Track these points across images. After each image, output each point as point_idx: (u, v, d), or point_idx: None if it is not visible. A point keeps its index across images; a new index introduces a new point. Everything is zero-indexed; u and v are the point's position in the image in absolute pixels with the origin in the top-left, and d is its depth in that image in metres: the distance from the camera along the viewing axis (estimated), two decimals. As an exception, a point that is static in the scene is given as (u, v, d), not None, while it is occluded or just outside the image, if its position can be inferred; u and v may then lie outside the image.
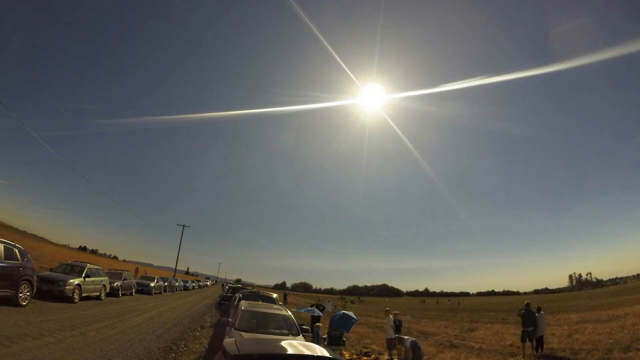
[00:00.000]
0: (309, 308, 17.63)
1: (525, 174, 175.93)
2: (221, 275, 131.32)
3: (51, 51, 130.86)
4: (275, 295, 16.44)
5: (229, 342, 3.71)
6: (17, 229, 66.70)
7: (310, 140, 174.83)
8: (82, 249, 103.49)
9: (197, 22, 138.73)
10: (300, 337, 6.78)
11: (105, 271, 17.67)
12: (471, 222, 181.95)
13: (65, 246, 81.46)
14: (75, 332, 7.96)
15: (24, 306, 9.69)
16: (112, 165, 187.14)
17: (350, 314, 13.82)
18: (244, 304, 8.18)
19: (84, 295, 13.65)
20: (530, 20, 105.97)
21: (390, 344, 11.95)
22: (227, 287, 34.21)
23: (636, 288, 53.12)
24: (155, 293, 25.39)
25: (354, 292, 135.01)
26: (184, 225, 52.07)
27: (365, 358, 11.66)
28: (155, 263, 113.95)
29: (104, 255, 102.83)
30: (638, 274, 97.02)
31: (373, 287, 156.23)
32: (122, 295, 18.71)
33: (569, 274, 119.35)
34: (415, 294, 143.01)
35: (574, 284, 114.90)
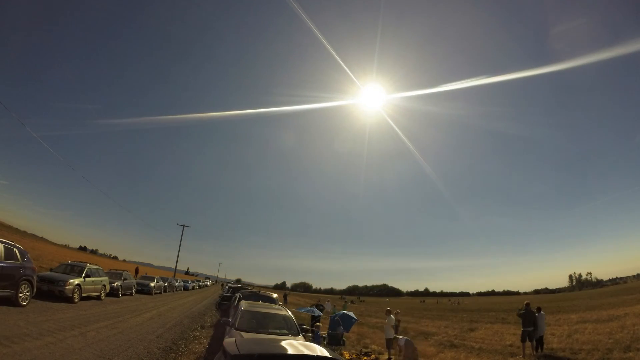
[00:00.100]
0: (309, 308, 17.64)
1: (525, 174, 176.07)
2: (221, 275, 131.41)
3: (51, 51, 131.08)
4: (275, 295, 16.45)
5: (229, 342, 3.71)
6: (17, 229, 66.71)
7: (311, 140, 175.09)
8: (82, 249, 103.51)
9: (197, 22, 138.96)
10: (300, 337, 6.78)
11: (105, 271, 17.66)
12: (471, 222, 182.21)
13: (65, 246, 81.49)
14: (75, 332, 7.96)
15: (24, 306, 9.68)
16: (112, 165, 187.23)
17: (350, 314, 13.84)
18: (244, 304, 8.17)
19: (84, 295, 13.64)
20: (531, 20, 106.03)
21: (390, 344, 11.97)
22: (227, 287, 34.21)
23: (636, 288, 53.12)
24: (155, 293, 25.37)
25: (354, 292, 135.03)
26: (184, 225, 52.14)
27: (365, 358, 11.67)
28: (155, 263, 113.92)
29: (104, 255, 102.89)
30: (638, 274, 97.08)
31: (373, 287, 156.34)
32: (122, 295, 18.70)
33: (569, 274, 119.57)
34: (415, 294, 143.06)
35: (574, 284, 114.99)
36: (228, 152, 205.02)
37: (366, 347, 13.38)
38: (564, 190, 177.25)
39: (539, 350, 12.18)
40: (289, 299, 40.36)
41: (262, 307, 8.35)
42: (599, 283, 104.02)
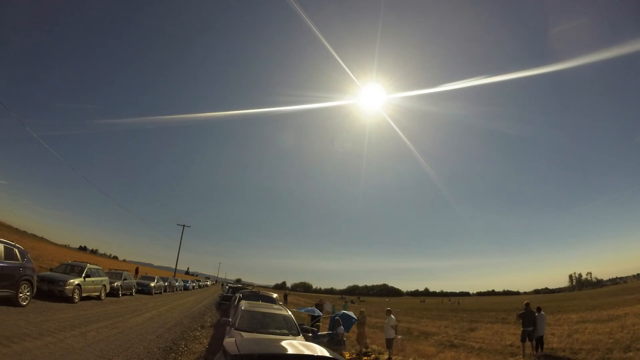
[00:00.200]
0: (309, 308, 17.64)
1: (525, 174, 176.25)
2: (221, 275, 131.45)
3: (51, 51, 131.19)
4: (275, 295, 16.45)
5: (229, 342, 3.71)
6: (17, 229, 66.72)
7: (311, 140, 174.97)
8: (82, 249, 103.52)
9: (196, 22, 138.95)
10: (301, 337, 6.77)
11: (105, 271, 17.66)
12: (471, 222, 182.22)
13: (65, 246, 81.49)
14: (75, 332, 7.95)
15: (24, 306, 9.68)
16: (112, 165, 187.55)
17: (350, 313, 13.84)
18: (244, 304, 8.17)
19: (84, 295, 13.63)
20: (531, 20, 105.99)
21: (390, 344, 11.97)
22: (227, 287, 34.19)
23: (636, 288, 53.13)
24: (156, 293, 25.37)
25: (354, 292, 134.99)
26: (184, 225, 52.12)
27: (366, 358, 11.67)
28: (156, 263, 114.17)
29: (104, 255, 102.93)
30: (638, 274, 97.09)
31: (373, 287, 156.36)
32: (122, 295, 18.70)
33: (569, 273, 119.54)
34: (415, 294, 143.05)
35: (574, 283, 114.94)
36: (228, 152, 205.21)
37: (366, 347, 13.38)
38: (564, 190, 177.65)
39: (539, 350, 12.17)
40: (289, 299, 40.34)
41: (262, 307, 8.34)
42: (599, 283, 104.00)
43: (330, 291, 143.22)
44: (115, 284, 17.65)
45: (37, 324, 8.08)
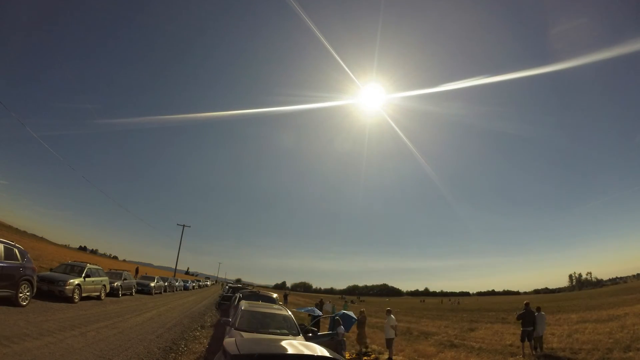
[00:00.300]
0: (309, 308, 17.63)
1: (525, 174, 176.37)
2: (221, 275, 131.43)
3: (51, 51, 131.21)
4: (275, 295, 16.45)
5: (229, 342, 3.71)
6: (17, 229, 66.71)
7: (311, 140, 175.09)
8: (82, 249, 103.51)
9: (195, 22, 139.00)
10: (301, 337, 6.78)
11: (105, 271, 17.66)
12: (471, 221, 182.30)
13: (65, 246, 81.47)
14: (75, 332, 7.95)
15: (24, 306, 9.68)
16: (112, 165, 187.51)
17: (350, 313, 13.82)
18: (244, 304, 8.17)
19: (84, 295, 13.63)
20: (531, 20, 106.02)
21: (390, 344, 11.96)
22: (227, 286, 34.19)
23: (636, 288, 53.16)
24: (155, 293, 25.36)
25: (354, 292, 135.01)
26: (184, 225, 52.07)
27: (366, 358, 11.67)
28: (155, 263, 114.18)
29: (104, 255, 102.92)
30: (638, 274, 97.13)
31: (373, 287, 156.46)
32: (122, 295, 18.70)
33: (569, 273, 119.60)
34: (415, 293, 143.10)
35: (574, 283, 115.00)
36: (228, 152, 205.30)
37: (366, 347, 13.38)
38: (564, 190, 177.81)
39: (538, 350, 12.18)
40: (289, 299, 40.33)
41: (262, 307, 8.35)
42: (599, 283, 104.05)
43: (330, 291, 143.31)
44: (115, 284, 17.65)
45: (37, 324, 8.08)
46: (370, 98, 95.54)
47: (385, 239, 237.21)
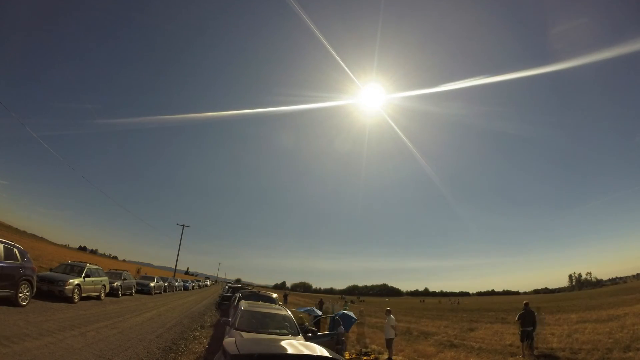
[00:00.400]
0: (309, 308, 17.63)
1: (525, 174, 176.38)
2: (221, 275, 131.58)
3: (51, 51, 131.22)
4: (275, 295, 16.44)
5: (228, 342, 3.71)
6: (17, 229, 66.76)
7: (310, 140, 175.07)
8: (82, 249, 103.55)
9: (195, 22, 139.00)
10: (300, 337, 6.77)
11: (105, 271, 17.65)
12: (471, 221, 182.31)
13: (65, 246, 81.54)
14: (75, 332, 7.95)
15: (23, 306, 9.68)
16: (112, 165, 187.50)
17: (350, 313, 13.81)
18: (243, 304, 8.17)
19: (83, 295, 13.63)
20: (531, 19, 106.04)
21: (390, 344, 11.95)
22: (226, 286, 34.18)
23: (636, 288, 53.17)
24: (155, 293, 25.35)
25: (354, 292, 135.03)
26: (184, 225, 52.03)
27: (365, 358, 11.66)
28: (155, 263, 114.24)
29: (104, 255, 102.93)
30: (638, 274, 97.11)
31: (373, 287, 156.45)
32: (122, 295, 18.69)
33: (569, 273, 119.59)
34: (415, 293, 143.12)
35: (573, 283, 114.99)
36: (228, 152, 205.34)
37: (366, 347, 13.38)
38: (564, 190, 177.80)
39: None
40: (289, 299, 40.34)
41: (262, 307, 8.34)
42: (599, 283, 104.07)
43: (330, 291, 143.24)
44: (115, 284, 17.65)
45: (36, 324, 8.08)
46: (370, 98, 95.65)
47: (385, 238, 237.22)
